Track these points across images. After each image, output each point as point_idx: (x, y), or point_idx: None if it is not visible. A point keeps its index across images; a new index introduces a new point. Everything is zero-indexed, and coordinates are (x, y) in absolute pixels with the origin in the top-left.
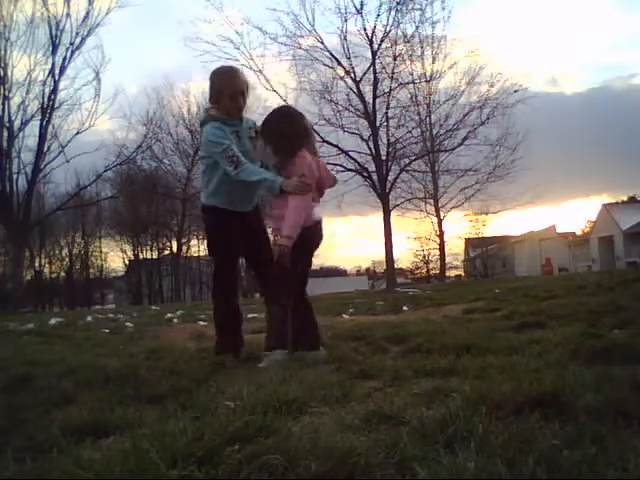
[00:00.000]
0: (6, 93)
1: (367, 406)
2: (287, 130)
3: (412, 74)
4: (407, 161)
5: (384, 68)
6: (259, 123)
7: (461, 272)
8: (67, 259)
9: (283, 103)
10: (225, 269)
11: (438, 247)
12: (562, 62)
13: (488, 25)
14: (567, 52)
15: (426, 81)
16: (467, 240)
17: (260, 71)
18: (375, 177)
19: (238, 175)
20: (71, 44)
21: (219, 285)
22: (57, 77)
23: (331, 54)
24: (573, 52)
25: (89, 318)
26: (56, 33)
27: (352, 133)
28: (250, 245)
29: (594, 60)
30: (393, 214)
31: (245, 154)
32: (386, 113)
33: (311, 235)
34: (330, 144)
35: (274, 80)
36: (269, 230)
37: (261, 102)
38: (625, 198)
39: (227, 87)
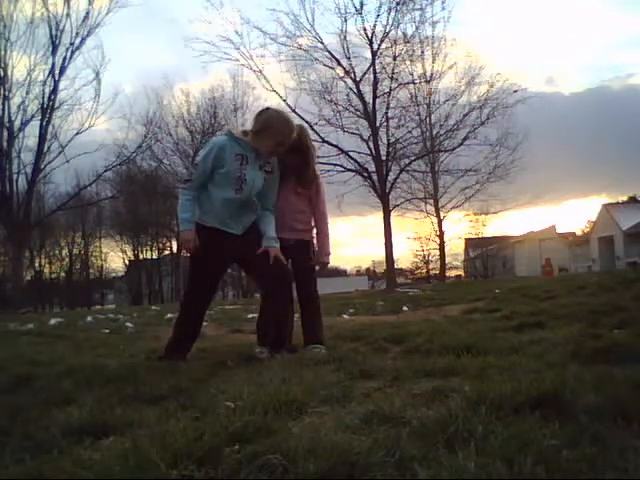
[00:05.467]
0: (6, 93)
1: (367, 406)
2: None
3: (412, 74)
4: (407, 161)
5: (384, 68)
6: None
7: (461, 272)
8: (67, 259)
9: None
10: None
11: (438, 247)
12: (559, 62)
13: (485, 25)
14: (564, 52)
15: (426, 81)
16: (467, 240)
17: (260, 71)
18: (375, 177)
19: (180, 192)
20: (71, 44)
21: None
22: (57, 77)
23: (331, 54)
24: (570, 52)
25: (89, 318)
26: (56, 33)
27: (352, 133)
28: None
29: (591, 60)
30: (393, 214)
31: (242, 180)
32: (386, 113)
33: None
34: (330, 144)
35: (274, 80)
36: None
37: (261, 102)
38: (625, 198)
39: (282, 136)
